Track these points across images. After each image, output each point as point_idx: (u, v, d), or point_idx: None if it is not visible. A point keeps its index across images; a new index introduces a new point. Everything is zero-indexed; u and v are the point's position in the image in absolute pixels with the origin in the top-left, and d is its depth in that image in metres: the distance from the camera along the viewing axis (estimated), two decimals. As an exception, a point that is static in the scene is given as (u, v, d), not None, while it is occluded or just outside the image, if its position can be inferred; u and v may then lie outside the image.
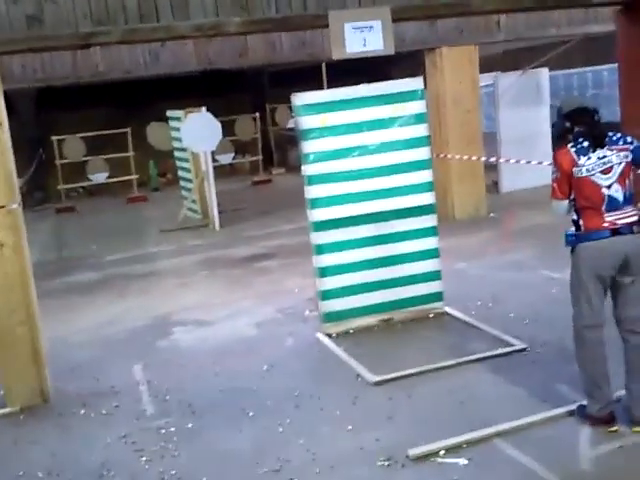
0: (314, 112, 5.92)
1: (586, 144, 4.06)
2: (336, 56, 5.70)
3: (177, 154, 13.02)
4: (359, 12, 5.70)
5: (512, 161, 10.13)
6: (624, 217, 4.04)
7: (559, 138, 4.23)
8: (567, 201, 4.14)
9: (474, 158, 10.00)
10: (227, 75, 13.28)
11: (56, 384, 5.49)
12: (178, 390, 5.37)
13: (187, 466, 4.29)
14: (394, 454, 4.13)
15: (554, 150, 4.24)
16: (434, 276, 6.35)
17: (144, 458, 4.43)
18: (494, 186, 11.68)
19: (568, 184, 4.10)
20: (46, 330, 5.59)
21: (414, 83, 6.19)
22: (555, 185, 4.15)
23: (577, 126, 4.11)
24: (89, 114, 15.99)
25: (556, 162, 4.15)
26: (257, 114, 16.75)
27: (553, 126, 4.35)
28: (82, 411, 5.20)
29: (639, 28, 6.87)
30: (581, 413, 4.31)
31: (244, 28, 5.59)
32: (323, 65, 12.44)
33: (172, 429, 4.78)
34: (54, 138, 14.72)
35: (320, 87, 11.40)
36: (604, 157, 4.03)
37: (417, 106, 6.16)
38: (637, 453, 3.94)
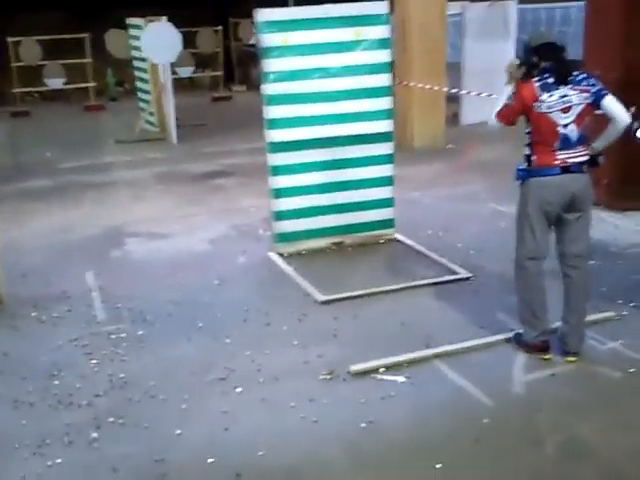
0: (276, 30, 5.83)
1: (550, 80, 4.08)
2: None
3: (136, 64, 12.70)
4: None
5: (474, 93, 10.16)
6: (575, 156, 4.13)
7: (525, 73, 4.25)
8: (504, 124, 4.23)
9: (436, 88, 9.99)
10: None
11: (8, 288, 5.51)
12: (130, 298, 5.44)
13: (136, 370, 4.41)
14: (336, 369, 4.29)
15: (518, 82, 4.27)
16: (387, 203, 6.45)
17: (94, 361, 4.54)
18: (454, 118, 11.72)
19: (518, 115, 4.18)
20: (-2, 235, 5.58)
21: (379, 7, 6.12)
22: (505, 109, 4.22)
23: (544, 61, 4.12)
24: (47, 17, 15.38)
25: (518, 93, 4.18)
26: (220, 27, 16.34)
27: (519, 59, 4.34)
28: (34, 314, 5.25)
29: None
30: (517, 340, 4.51)
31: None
32: (290, -19, 12.14)
33: (122, 335, 4.87)
34: (10, 40, 14.20)
35: (285, 4, 11.20)
36: (565, 96, 4.07)
37: (381, 31, 6.11)
38: (567, 381, 4.15)
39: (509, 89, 4.28)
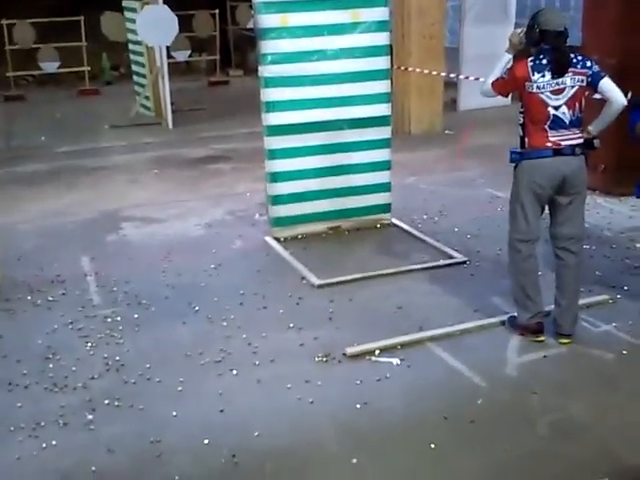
0: (274, 11, 5.78)
1: (545, 62, 4.07)
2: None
3: (131, 47, 12.61)
4: None
5: (472, 79, 10.11)
6: (568, 138, 4.14)
7: (524, 48, 4.25)
8: (495, 94, 4.33)
9: (435, 73, 9.94)
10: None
11: (2, 271, 5.50)
12: (125, 282, 5.44)
13: (131, 353, 4.42)
14: (332, 351, 4.32)
15: (515, 58, 4.28)
16: (384, 188, 6.44)
17: (89, 344, 4.54)
18: (452, 103, 11.68)
19: (510, 91, 4.36)
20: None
21: (378, -11, 6.09)
22: (500, 81, 4.27)
23: (545, 44, 4.09)
24: (41, -1, 15.29)
25: (511, 70, 4.19)
26: (217, 11, 16.24)
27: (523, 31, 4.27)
28: (29, 297, 5.25)
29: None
30: (511, 323, 4.54)
31: None
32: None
33: (118, 318, 4.87)
34: (4, 22, 14.11)
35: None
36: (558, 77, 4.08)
37: (380, 13, 6.07)
38: (560, 363, 4.19)
39: (508, 57, 4.30)
